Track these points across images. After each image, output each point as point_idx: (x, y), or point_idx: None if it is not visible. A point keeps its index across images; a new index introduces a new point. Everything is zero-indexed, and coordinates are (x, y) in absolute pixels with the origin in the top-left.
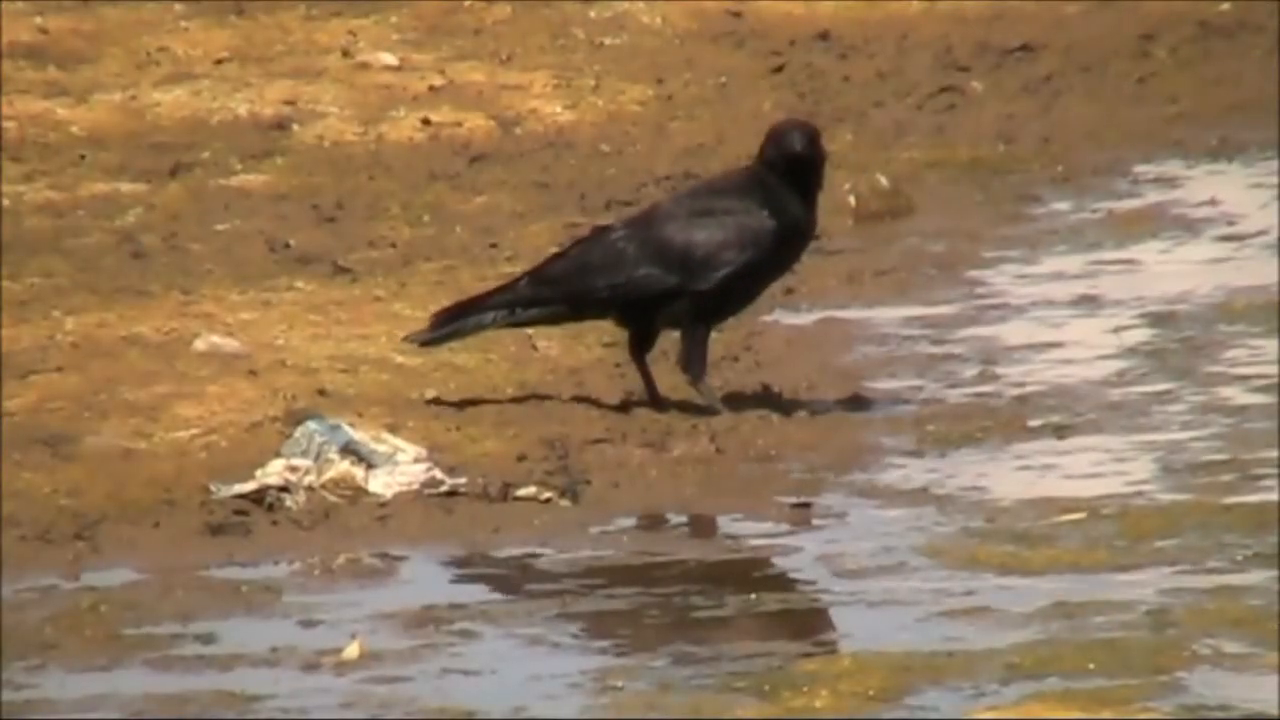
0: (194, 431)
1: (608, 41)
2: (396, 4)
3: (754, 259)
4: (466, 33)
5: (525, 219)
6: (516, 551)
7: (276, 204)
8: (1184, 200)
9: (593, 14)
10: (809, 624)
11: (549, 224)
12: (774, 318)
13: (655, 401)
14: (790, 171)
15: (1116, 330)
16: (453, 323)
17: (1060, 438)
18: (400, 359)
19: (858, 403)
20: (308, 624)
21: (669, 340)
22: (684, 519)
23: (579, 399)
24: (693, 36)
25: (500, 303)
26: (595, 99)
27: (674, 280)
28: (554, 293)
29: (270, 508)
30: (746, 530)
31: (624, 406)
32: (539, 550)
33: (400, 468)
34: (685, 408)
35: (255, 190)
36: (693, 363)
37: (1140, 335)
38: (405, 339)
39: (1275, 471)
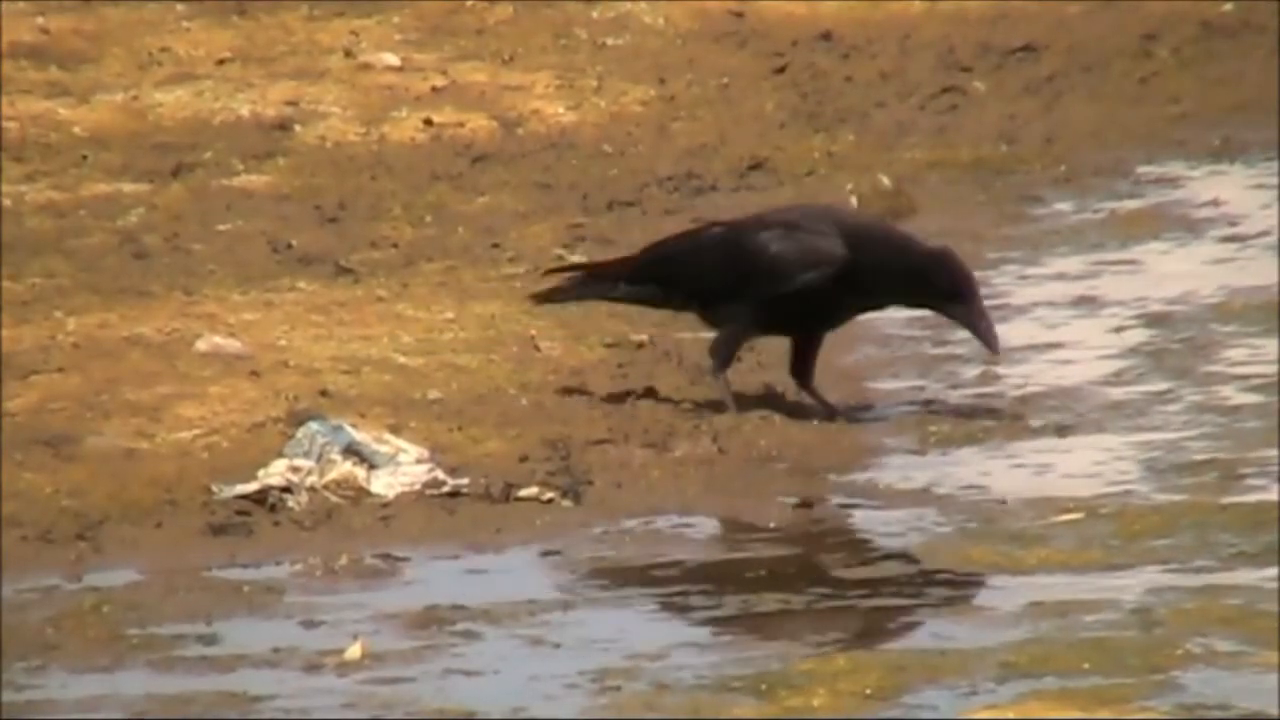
0: (196, 432)
1: (610, 42)
2: (399, 4)
3: (815, 280)
4: (469, 33)
5: (528, 219)
6: (518, 552)
7: (279, 204)
8: (1186, 201)
9: (595, 14)
10: (807, 623)
11: (551, 224)
12: None
13: (831, 413)
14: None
15: (1118, 330)
16: (571, 290)
17: (1062, 438)
18: (402, 360)
19: (860, 403)
20: (310, 624)
21: (670, 340)
22: (685, 519)
23: (581, 399)
24: (695, 37)
25: (611, 275)
26: (597, 99)
27: (742, 284)
28: (651, 274)
29: (272, 508)
30: (747, 530)
31: (626, 407)
32: (541, 550)
33: (402, 468)
34: (687, 408)
35: (257, 191)
36: (718, 353)
37: (1142, 335)
38: (530, 297)
39: (1273, 471)
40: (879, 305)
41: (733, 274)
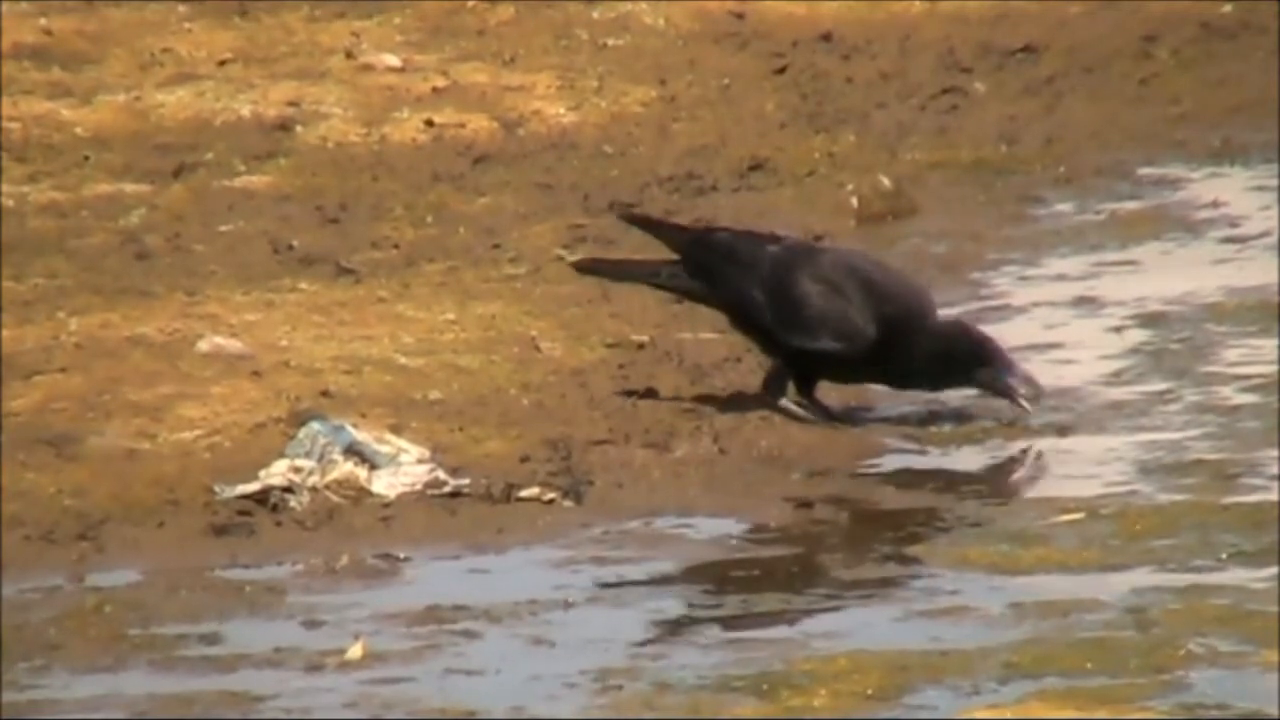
0: (198, 432)
1: (611, 42)
2: (400, 5)
3: (840, 352)
4: (470, 34)
5: (529, 220)
6: (519, 552)
7: (280, 205)
8: (1186, 202)
9: (596, 15)
10: (808, 623)
11: (552, 225)
12: None
13: (830, 417)
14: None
15: (1118, 331)
16: (614, 267)
17: (1062, 437)
18: (403, 360)
19: (861, 403)
20: (311, 624)
21: (671, 340)
22: (686, 519)
23: (582, 400)
24: (696, 38)
25: (654, 264)
26: (598, 100)
27: (770, 318)
28: (702, 264)
29: (274, 508)
30: (748, 530)
31: (627, 407)
32: (542, 550)
33: (404, 468)
34: (688, 409)
35: (259, 191)
36: (770, 385)
37: (1142, 336)
38: (572, 263)
39: (1273, 471)
40: (901, 386)
41: (771, 303)
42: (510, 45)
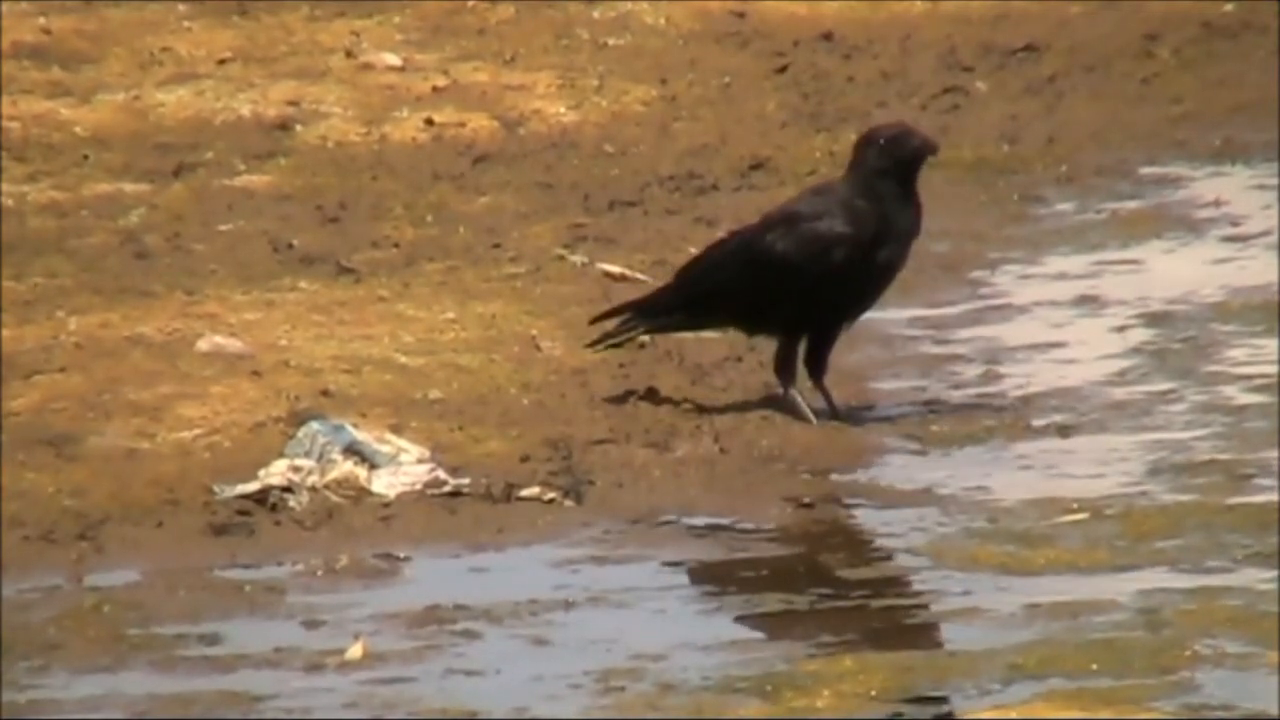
0: (197, 432)
1: (611, 42)
2: (400, 4)
3: (828, 268)
4: (470, 33)
5: (529, 219)
6: (520, 551)
7: (280, 204)
8: (1187, 201)
9: (596, 14)
10: (811, 624)
11: (552, 224)
12: None
13: (835, 413)
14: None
15: (1120, 330)
16: (621, 332)
17: (1064, 437)
18: (403, 359)
19: (861, 403)
20: (311, 624)
21: (671, 340)
22: (687, 519)
23: (582, 399)
24: (696, 37)
25: (650, 309)
26: (599, 99)
27: (754, 285)
28: (677, 298)
29: (274, 508)
30: (749, 530)
31: (627, 407)
32: (542, 550)
33: (403, 468)
34: (689, 408)
35: (259, 190)
36: (777, 369)
37: (1143, 335)
38: (586, 346)
39: (1277, 471)
40: (910, 229)
41: (755, 282)
42: (510, 44)
